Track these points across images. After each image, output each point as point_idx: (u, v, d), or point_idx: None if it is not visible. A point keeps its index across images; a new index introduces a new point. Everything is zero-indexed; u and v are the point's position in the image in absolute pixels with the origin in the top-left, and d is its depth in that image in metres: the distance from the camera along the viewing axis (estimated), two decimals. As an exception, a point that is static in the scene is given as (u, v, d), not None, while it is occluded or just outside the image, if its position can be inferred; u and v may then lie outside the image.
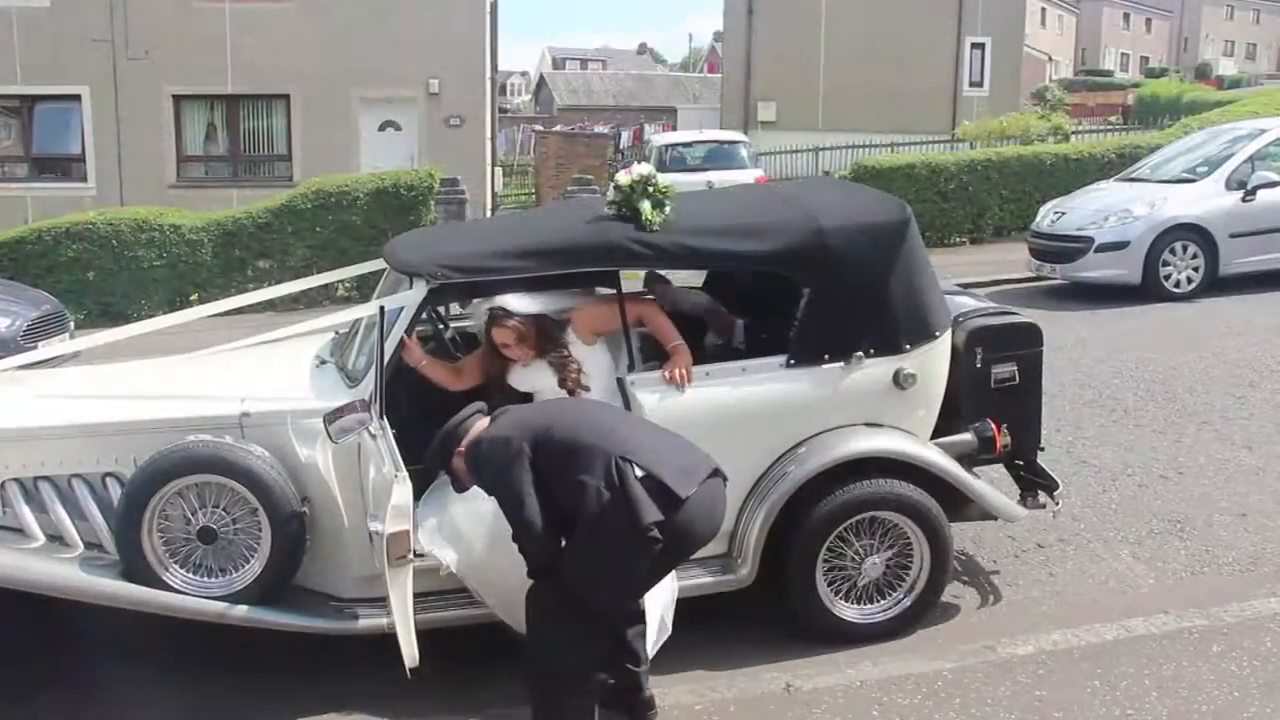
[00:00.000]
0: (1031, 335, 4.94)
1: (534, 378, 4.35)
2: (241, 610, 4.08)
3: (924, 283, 4.61)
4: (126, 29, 20.00)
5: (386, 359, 3.96)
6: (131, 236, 14.18)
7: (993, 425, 4.74)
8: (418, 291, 4.19)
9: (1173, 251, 10.83)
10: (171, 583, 4.10)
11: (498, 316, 4.26)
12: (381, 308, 3.83)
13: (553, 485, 3.47)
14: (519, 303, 4.28)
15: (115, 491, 4.24)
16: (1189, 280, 10.88)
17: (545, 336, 4.31)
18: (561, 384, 4.27)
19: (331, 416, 3.75)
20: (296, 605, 4.20)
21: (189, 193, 19.61)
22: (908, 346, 4.53)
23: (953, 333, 4.80)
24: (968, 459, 4.74)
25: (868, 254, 4.44)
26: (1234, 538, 5.45)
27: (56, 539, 4.28)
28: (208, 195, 19.15)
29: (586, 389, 4.28)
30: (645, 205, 4.26)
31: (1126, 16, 65.94)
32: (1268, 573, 5.08)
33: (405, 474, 3.37)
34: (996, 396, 4.83)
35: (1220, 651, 4.24)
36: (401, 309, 4.20)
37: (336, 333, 5.03)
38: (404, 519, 3.28)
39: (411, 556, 3.36)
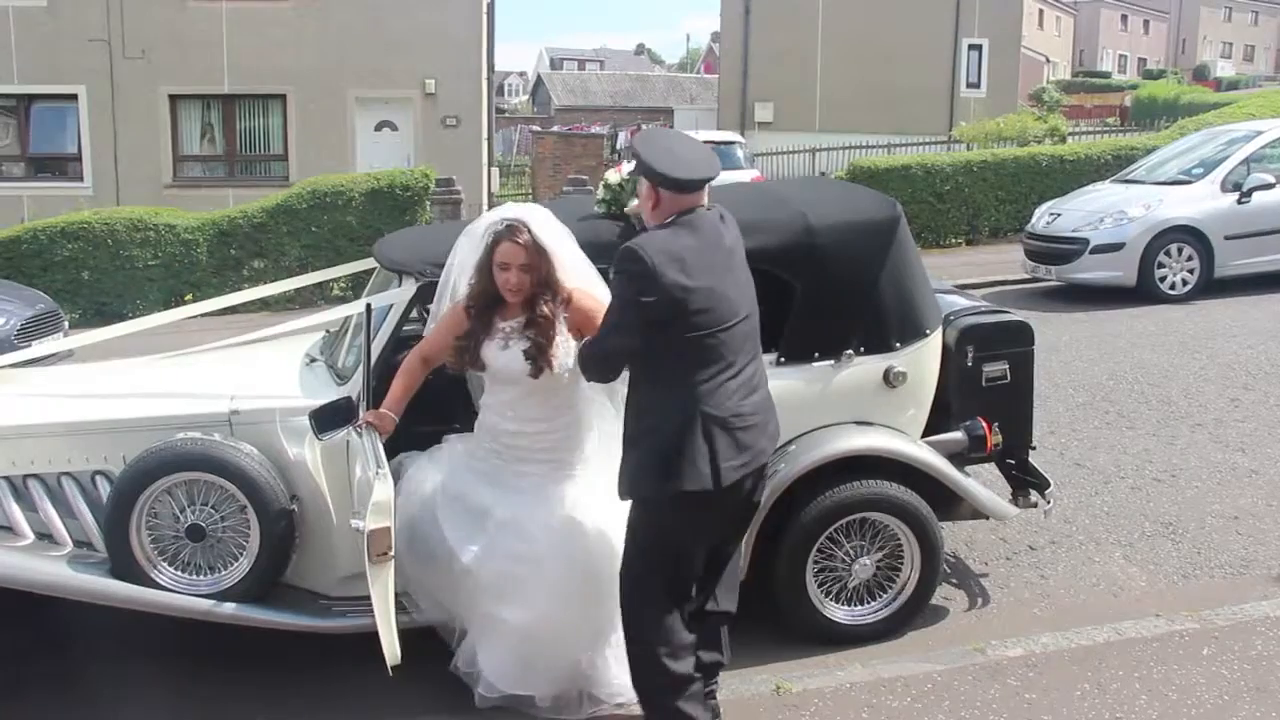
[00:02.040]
0: (1023, 334, 4.93)
1: (506, 355, 3.75)
2: (230, 608, 4.06)
3: (914, 281, 4.60)
4: (123, 28, 20.02)
5: (374, 358, 3.95)
6: (126, 236, 14.17)
7: (983, 424, 4.73)
8: (406, 289, 4.19)
9: (1168, 253, 10.86)
10: (160, 580, 4.09)
11: (515, 229, 3.67)
12: (368, 305, 3.82)
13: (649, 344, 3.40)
14: (546, 230, 3.73)
15: (105, 489, 4.22)
16: (1184, 282, 10.90)
17: (548, 286, 3.73)
18: (532, 360, 3.72)
19: (317, 413, 3.74)
20: (285, 603, 4.18)
21: (185, 192, 19.64)
22: (898, 345, 4.52)
23: (944, 331, 4.79)
24: (959, 458, 4.73)
25: (858, 252, 4.43)
26: (1226, 540, 5.45)
27: (46, 537, 4.27)
28: (204, 195, 19.18)
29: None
30: (634, 203, 4.24)
31: (1124, 18, 66.08)
32: (1259, 575, 5.08)
33: (387, 471, 3.35)
34: (987, 395, 4.83)
35: (1211, 654, 4.23)
36: (390, 307, 4.20)
37: (327, 331, 5.03)
38: (384, 516, 3.27)
39: (392, 554, 3.34)
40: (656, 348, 3.38)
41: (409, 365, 3.89)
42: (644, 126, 36.72)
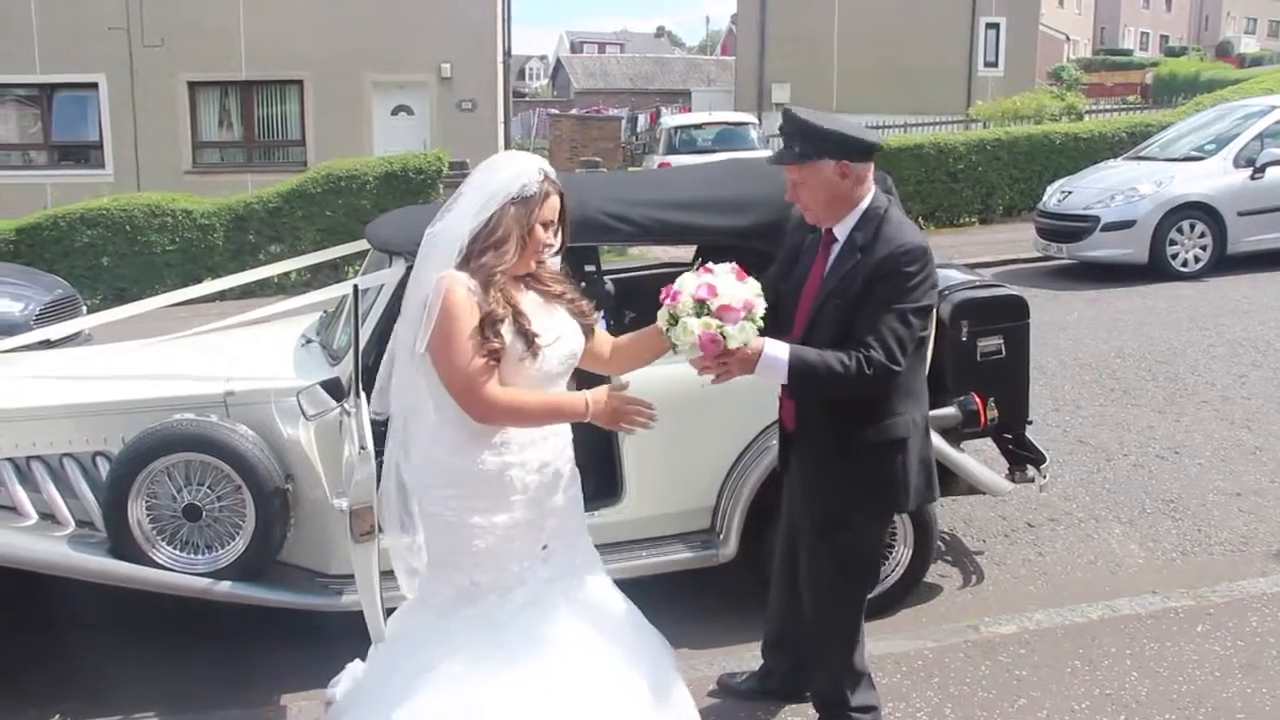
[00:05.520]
0: (1018, 308, 4.89)
1: (554, 318, 3.04)
2: (226, 586, 4.13)
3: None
4: (142, 16, 20.15)
5: (364, 339, 3.97)
6: (144, 222, 14.34)
7: (977, 399, 4.71)
8: (396, 270, 4.21)
9: (1180, 230, 10.77)
10: (158, 559, 4.16)
11: (553, 179, 3.02)
12: (355, 287, 3.85)
13: None
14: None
15: (105, 470, 4.28)
16: (1196, 259, 10.81)
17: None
18: (584, 331, 3.12)
19: (306, 393, 3.78)
20: (281, 581, 4.25)
21: (204, 178, 19.79)
22: (889, 321, 4.50)
23: (938, 306, 4.77)
24: (953, 433, 4.71)
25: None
26: (1227, 517, 5.43)
27: (49, 517, 4.33)
28: (222, 180, 19.29)
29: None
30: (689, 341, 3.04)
31: (1147, -6, 65.23)
32: (1259, 553, 5.06)
33: (370, 450, 3.38)
34: (983, 370, 4.79)
35: (1205, 631, 4.22)
36: (382, 286, 4.24)
37: (325, 312, 5.07)
38: (367, 495, 3.30)
39: (376, 533, 3.38)
40: None
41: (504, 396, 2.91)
42: (662, 109, 36.65)
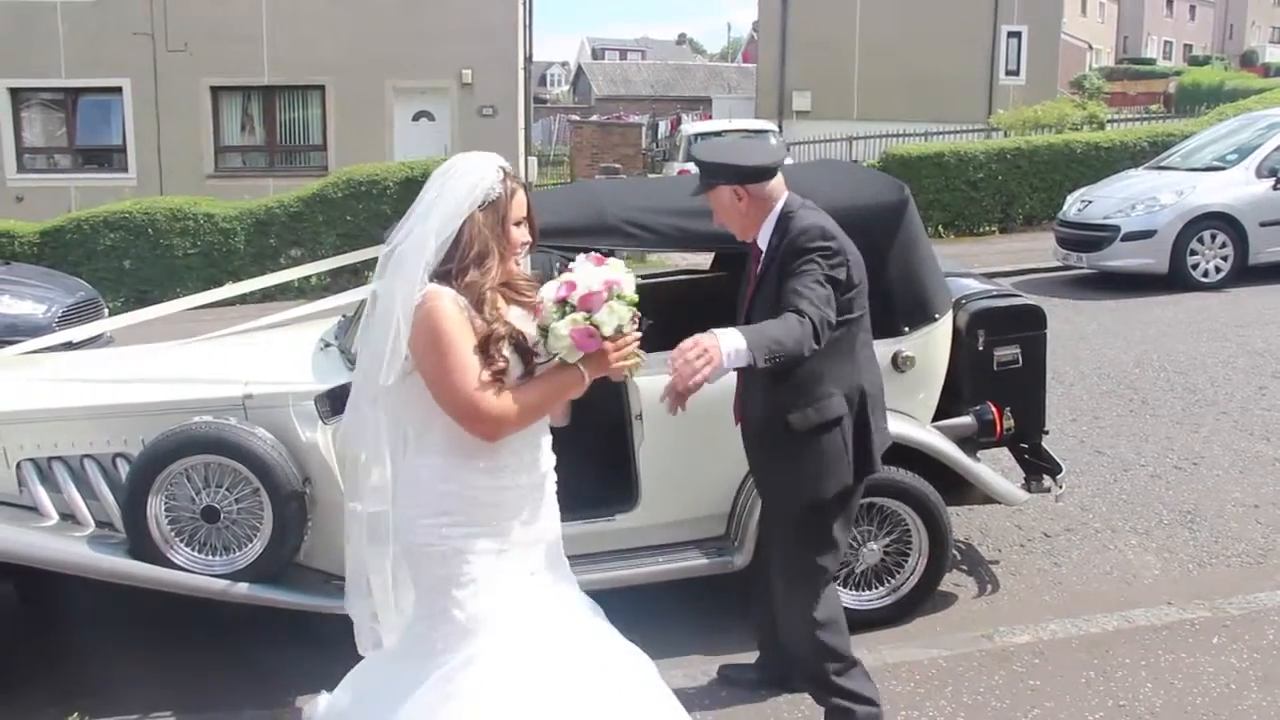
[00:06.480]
0: (1034, 318, 4.89)
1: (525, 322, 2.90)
2: (243, 588, 4.15)
3: (923, 265, 4.57)
4: (166, 22, 20.34)
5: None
6: (167, 225, 14.48)
7: (993, 409, 4.71)
8: (413, 275, 4.23)
9: (1201, 240, 10.74)
10: (176, 560, 4.19)
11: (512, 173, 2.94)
12: (374, 292, 3.88)
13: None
14: None
15: (125, 471, 4.31)
16: (1217, 269, 10.77)
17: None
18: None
19: (325, 397, 3.80)
20: (297, 583, 4.26)
21: (226, 182, 19.95)
22: (906, 329, 4.50)
23: (955, 315, 4.77)
24: (969, 443, 4.71)
25: (864, 236, 4.38)
26: (1245, 529, 5.40)
27: (69, 518, 4.36)
28: (244, 185, 19.43)
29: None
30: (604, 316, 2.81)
31: (1170, 3, 64.74)
32: (1276, 565, 5.03)
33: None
34: (999, 379, 4.80)
35: (1221, 643, 4.20)
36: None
37: (344, 316, 5.10)
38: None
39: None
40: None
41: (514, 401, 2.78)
42: (683, 116, 36.73)
